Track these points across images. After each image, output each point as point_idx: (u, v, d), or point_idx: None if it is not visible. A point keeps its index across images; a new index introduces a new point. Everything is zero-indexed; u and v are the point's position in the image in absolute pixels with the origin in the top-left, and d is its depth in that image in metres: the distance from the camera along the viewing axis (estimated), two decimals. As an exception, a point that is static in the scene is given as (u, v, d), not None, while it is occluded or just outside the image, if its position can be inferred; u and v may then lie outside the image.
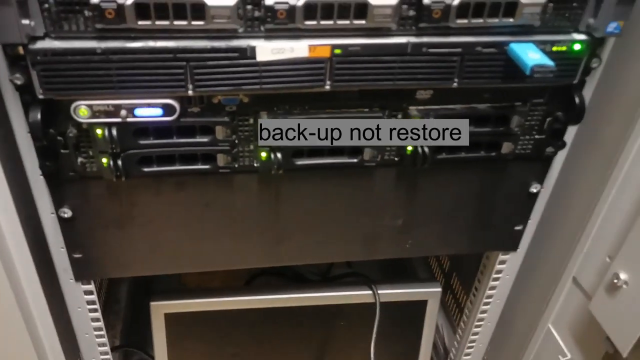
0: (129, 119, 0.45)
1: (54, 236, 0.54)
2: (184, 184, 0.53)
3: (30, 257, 0.51)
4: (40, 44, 0.41)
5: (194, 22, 0.42)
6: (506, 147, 0.55)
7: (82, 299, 0.60)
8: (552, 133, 0.55)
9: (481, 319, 0.75)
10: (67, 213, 0.51)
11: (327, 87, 0.47)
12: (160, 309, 0.66)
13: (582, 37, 0.48)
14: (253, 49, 0.44)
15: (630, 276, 0.53)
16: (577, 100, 0.52)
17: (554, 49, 0.48)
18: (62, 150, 0.47)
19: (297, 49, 0.44)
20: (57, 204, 0.51)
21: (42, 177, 0.49)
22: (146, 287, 0.78)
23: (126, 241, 0.56)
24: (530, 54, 0.46)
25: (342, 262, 0.84)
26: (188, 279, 0.89)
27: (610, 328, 0.56)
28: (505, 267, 0.69)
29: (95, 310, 0.61)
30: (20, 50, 0.41)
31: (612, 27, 0.47)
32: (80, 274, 0.57)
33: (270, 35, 0.44)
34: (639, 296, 0.52)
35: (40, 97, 0.43)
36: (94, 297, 0.60)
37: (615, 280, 0.54)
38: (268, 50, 0.44)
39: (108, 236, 0.55)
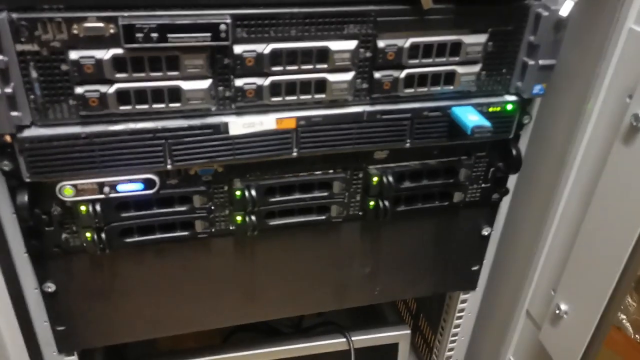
0: (111, 195, 0.48)
1: (38, 311, 0.54)
2: (163, 251, 0.55)
3: (20, 333, 0.52)
4: (27, 132, 0.43)
5: (171, 104, 0.46)
6: (457, 197, 0.60)
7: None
8: (496, 181, 0.61)
9: (449, 357, 0.78)
10: (50, 287, 0.52)
11: (295, 154, 0.51)
12: (139, 375, 0.66)
13: (513, 98, 0.55)
14: (226, 124, 0.48)
15: (569, 307, 0.57)
16: (514, 152, 0.58)
17: (490, 109, 0.54)
18: (46, 228, 0.49)
19: (266, 122, 0.49)
20: (41, 279, 0.52)
21: (26, 254, 0.50)
22: (120, 354, 0.77)
23: (108, 311, 0.56)
24: (470, 116, 0.52)
25: (312, 314, 0.86)
26: (162, 342, 0.88)
27: (557, 355, 0.60)
28: (467, 306, 0.73)
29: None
30: (8, 138, 0.43)
31: (537, 89, 0.54)
32: (64, 347, 0.57)
33: (240, 111, 0.48)
34: (577, 325, 0.56)
35: (27, 180, 0.45)
36: (74, 366, 0.59)
37: (557, 311, 0.58)
38: (239, 125, 0.48)
39: (90, 307, 0.55)
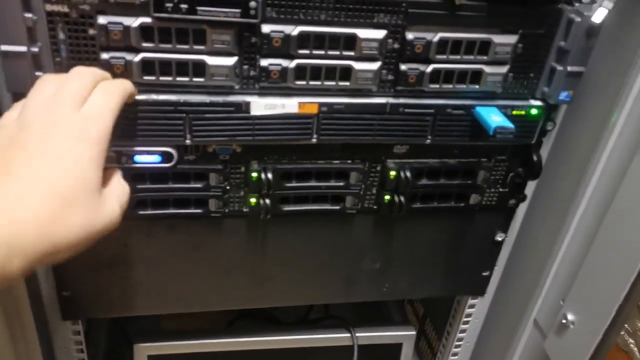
0: (128, 165, 0.46)
1: (44, 274, 0.52)
2: (174, 227, 0.53)
3: (27, 296, 0.50)
4: (50, 94, 0.42)
5: (195, 79, 0.44)
6: (474, 199, 0.57)
7: (69, 339, 0.57)
8: (514, 187, 0.58)
9: (453, 362, 0.75)
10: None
11: (314, 140, 0.49)
12: (143, 351, 0.64)
13: (538, 103, 0.52)
14: (248, 104, 0.46)
15: (576, 317, 0.55)
16: (535, 158, 0.55)
17: (514, 112, 0.51)
18: (60, 193, 0.47)
19: (288, 105, 0.47)
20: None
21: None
22: (124, 331, 0.76)
23: (114, 282, 0.55)
24: (493, 117, 0.49)
25: (319, 307, 0.84)
26: (166, 322, 0.86)
27: None
28: (475, 311, 0.70)
29: (81, 351, 0.59)
30: (31, 99, 0.41)
31: (563, 95, 0.51)
32: (68, 313, 0.55)
33: (263, 92, 0.46)
34: (582, 335, 0.54)
35: (46, 143, 0.43)
36: (80, 337, 0.57)
37: (564, 321, 0.56)
38: (261, 105, 0.46)
39: (97, 276, 0.54)
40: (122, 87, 0.39)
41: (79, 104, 0.36)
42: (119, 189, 0.39)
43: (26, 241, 0.30)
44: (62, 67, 0.41)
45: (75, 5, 0.39)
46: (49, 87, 0.37)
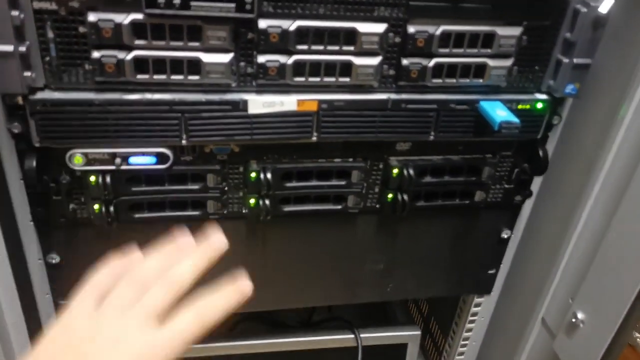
0: (123, 167, 0.44)
1: (40, 282, 0.50)
2: (173, 230, 0.51)
3: (19, 303, 0.48)
4: (39, 95, 0.40)
5: (190, 77, 0.42)
6: (479, 196, 0.55)
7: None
8: (520, 183, 0.56)
9: (459, 361, 0.73)
10: (54, 259, 0.49)
11: (314, 139, 0.47)
12: (143, 356, 0.62)
13: (544, 97, 0.50)
14: (245, 102, 0.44)
15: (586, 316, 0.54)
16: (541, 153, 0.54)
17: (519, 107, 0.50)
18: (54, 197, 0.45)
19: (287, 102, 0.45)
20: (46, 250, 0.49)
21: (31, 223, 0.47)
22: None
23: (113, 287, 0.53)
24: (498, 112, 0.47)
25: (322, 309, 0.82)
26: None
27: None
28: (480, 310, 0.68)
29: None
30: (20, 100, 0.40)
31: (569, 88, 0.49)
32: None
33: (261, 89, 0.44)
34: (594, 335, 0.52)
35: (37, 145, 0.41)
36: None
37: (574, 320, 0.54)
38: (259, 103, 0.44)
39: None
40: (214, 312, 0.35)
41: (158, 318, 0.33)
42: None
43: None
44: (52, 67, 0.39)
45: (64, 2, 0.37)
46: (133, 289, 0.34)
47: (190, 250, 0.37)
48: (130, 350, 0.33)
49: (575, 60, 0.47)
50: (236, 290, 0.37)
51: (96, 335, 0.33)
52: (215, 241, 0.38)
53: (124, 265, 0.37)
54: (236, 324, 0.81)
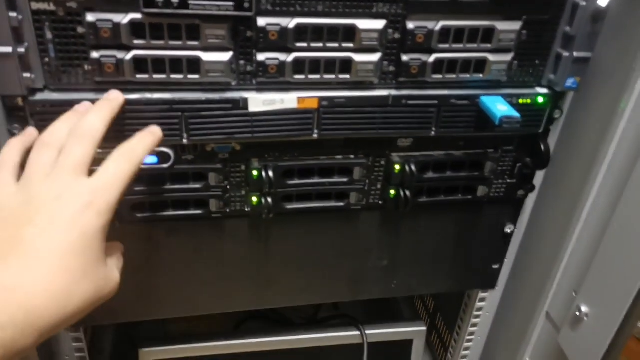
0: (124, 167, 0.43)
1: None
2: (175, 229, 0.51)
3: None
4: (39, 96, 0.40)
5: (189, 76, 0.41)
6: (481, 191, 0.55)
7: (70, 348, 0.55)
8: (522, 177, 0.56)
9: (464, 356, 0.73)
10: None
11: (315, 136, 0.46)
12: (149, 356, 0.62)
13: (545, 91, 0.50)
14: (245, 100, 0.43)
15: (591, 309, 0.53)
16: (542, 147, 0.53)
17: (520, 101, 0.49)
18: (56, 198, 0.45)
19: (287, 100, 0.44)
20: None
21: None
22: (130, 336, 0.73)
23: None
24: (498, 106, 0.47)
25: (328, 306, 0.81)
26: (173, 326, 0.84)
27: (575, 358, 0.55)
28: (485, 305, 0.68)
29: (83, 359, 0.57)
30: (20, 101, 0.39)
31: (570, 82, 0.49)
32: (70, 322, 0.53)
33: (261, 87, 0.44)
34: (598, 328, 0.52)
35: (38, 146, 0.41)
36: (82, 344, 0.55)
37: (578, 313, 0.54)
38: (260, 101, 0.44)
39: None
40: (137, 153, 0.37)
41: (84, 171, 0.34)
42: (117, 254, 0.39)
43: (40, 315, 0.30)
44: (51, 68, 0.39)
45: (62, 3, 0.37)
46: (48, 151, 0.35)
47: (90, 109, 0.38)
48: (74, 202, 0.33)
49: (575, 54, 0.47)
50: (149, 132, 0.39)
51: (30, 203, 0.32)
52: (112, 94, 0.39)
53: (26, 140, 0.37)
54: (241, 322, 0.81)
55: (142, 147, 0.38)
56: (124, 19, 0.38)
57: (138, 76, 0.40)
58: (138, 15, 0.38)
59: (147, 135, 0.39)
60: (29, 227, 0.32)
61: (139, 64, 0.40)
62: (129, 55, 0.39)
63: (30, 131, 0.38)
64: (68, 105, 0.40)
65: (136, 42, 0.39)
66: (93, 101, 0.40)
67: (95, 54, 0.39)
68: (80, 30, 0.38)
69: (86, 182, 0.34)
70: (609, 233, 0.50)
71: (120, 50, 0.39)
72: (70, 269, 0.32)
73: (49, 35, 0.38)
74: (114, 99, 0.39)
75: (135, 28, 0.39)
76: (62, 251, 0.32)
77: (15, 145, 0.37)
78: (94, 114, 0.37)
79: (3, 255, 0.31)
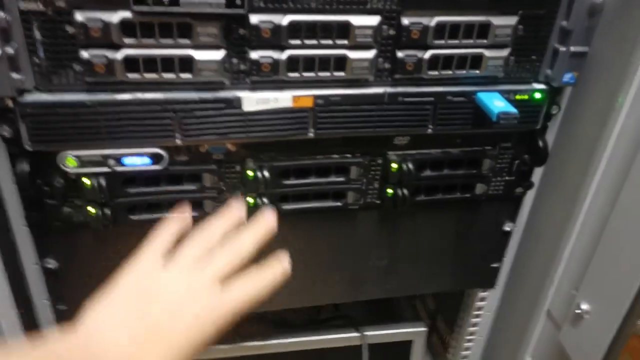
0: (117, 169, 0.43)
1: (38, 288, 0.49)
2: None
3: (15, 309, 0.47)
4: (29, 97, 0.39)
5: (182, 75, 0.41)
6: (479, 189, 0.54)
7: None
8: (520, 174, 0.55)
9: (465, 356, 0.72)
10: (51, 264, 0.48)
11: (311, 135, 0.46)
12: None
13: (542, 86, 0.49)
14: (239, 99, 0.43)
15: (591, 306, 0.53)
16: (540, 144, 0.52)
17: (517, 97, 0.49)
18: (48, 201, 0.44)
19: (282, 99, 0.44)
20: (42, 255, 0.47)
21: (26, 227, 0.46)
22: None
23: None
24: (495, 102, 0.46)
25: (329, 306, 0.81)
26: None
27: (576, 356, 0.55)
28: (485, 304, 0.67)
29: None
30: (9, 103, 0.39)
31: (567, 77, 0.48)
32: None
33: (255, 86, 0.43)
34: (599, 325, 0.51)
35: (28, 148, 0.40)
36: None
37: (578, 311, 0.53)
38: (254, 100, 0.43)
39: (93, 286, 0.51)
40: (265, 282, 0.40)
41: (223, 280, 0.37)
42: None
43: None
44: (41, 69, 0.38)
45: (51, 2, 0.36)
46: (201, 248, 0.38)
47: (244, 225, 0.41)
48: (196, 307, 0.36)
49: (572, 49, 0.46)
50: (280, 265, 0.42)
51: (166, 288, 0.36)
52: (268, 217, 0.42)
53: (183, 226, 0.41)
54: (240, 325, 0.80)
55: (271, 278, 0.40)
56: (114, 17, 0.37)
57: (129, 76, 0.40)
58: (128, 14, 0.38)
59: (279, 268, 0.41)
60: (156, 305, 0.35)
61: (130, 64, 0.39)
62: (119, 55, 0.39)
63: (187, 218, 0.42)
64: (59, 106, 0.39)
65: (127, 41, 0.38)
66: (84, 103, 0.39)
67: (85, 54, 0.38)
68: (69, 29, 0.38)
69: (222, 294, 0.37)
70: (608, 229, 0.50)
71: (110, 49, 0.39)
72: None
73: (38, 36, 0.37)
74: (268, 225, 0.42)
75: (126, 27, 0.38)
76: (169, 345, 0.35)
77: (172, 230, 0.40)
78: (251, 234, 0.40)
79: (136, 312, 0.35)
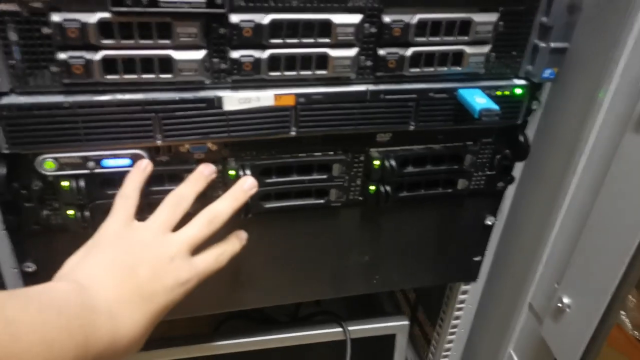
0: (96, 170, 0.44)
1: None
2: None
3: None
4: (5, 100, 0.39)
5: (161, 75, 0.42)
6: (461, 184, 0.56)
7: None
8: (502, 169, 0.57)
9: (448, 349, 0.75)
10: (30, 267, 0.48)
11: (293, 133, 0.47)
12: (127, 361, 0.62)
13: (522, 82, 0.51)
14: (220, 99, 0.43)
15: (572, 300, 0.54)
16: (521, 139, 0.54)
17: (498, 93, 0.50)
18: (25, 204, 0.45)
19: (263, 98, 0.45)
20: (20, 258, 0.48)
21: (4, 231, 0.46)
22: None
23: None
24: (477, 99, 0.48)
25: (310, 302, 0.82)
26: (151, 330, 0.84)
27: (557, 350, 0.57)
28: (467, 297, 0.69)
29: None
30: (-15, 106, 0.39)
31: (547, 73, 0.50)
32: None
33: (236, 85, 0.44)
34: (580, 319, 0.53)
35: (5, 151, 0.41)
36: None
37: (560, 305, 0.55)
38: (235, 100, 0.44)
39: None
40: (233, 249, 0.47)
41: (190, 250, 0.42)
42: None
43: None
44: (17, 71, 0.39)
45: (26, 3, 0.37)
46: (172, 212, 0.43)
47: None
48: (175, 272, 0.41)
49: (552, 45, 0.48)
50: (238, 239, 0.49)
51: (148, 251, 0.40)
52: (245, 185, 0.47)
53: (145, 176, 0.45)
54: (222, 323, 0.82)
55: (230, 247, 0.47)
56: (92, 18, 0.38)
57: (108, 77, 0.40)
58: (106, 14, 0.38)
59: (234, 240, 0.48)
60: (143, 269, 0.39)
61: (109, 65, 0.40)
62: (97, 56, 0.39)
63: (147, 166, 0.45)
64: (36, 108, 0.40)
65: (105, 42, 0.39)
66: (62, 105, 0.40)
67: (62, 55, 0.39)
68: (45, 31, 0.38)
69: (193, 263, 0.42)
70: (589, 223, 0.52)
71: (88, 50, 0.39)
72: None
73: (13, 37, 0.38)
74: (245, 191, 0.47)
75: (104, 27, 0.38)
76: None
77: (137, 182, 0.44)
78: (225, 201, 0.45)
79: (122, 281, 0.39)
